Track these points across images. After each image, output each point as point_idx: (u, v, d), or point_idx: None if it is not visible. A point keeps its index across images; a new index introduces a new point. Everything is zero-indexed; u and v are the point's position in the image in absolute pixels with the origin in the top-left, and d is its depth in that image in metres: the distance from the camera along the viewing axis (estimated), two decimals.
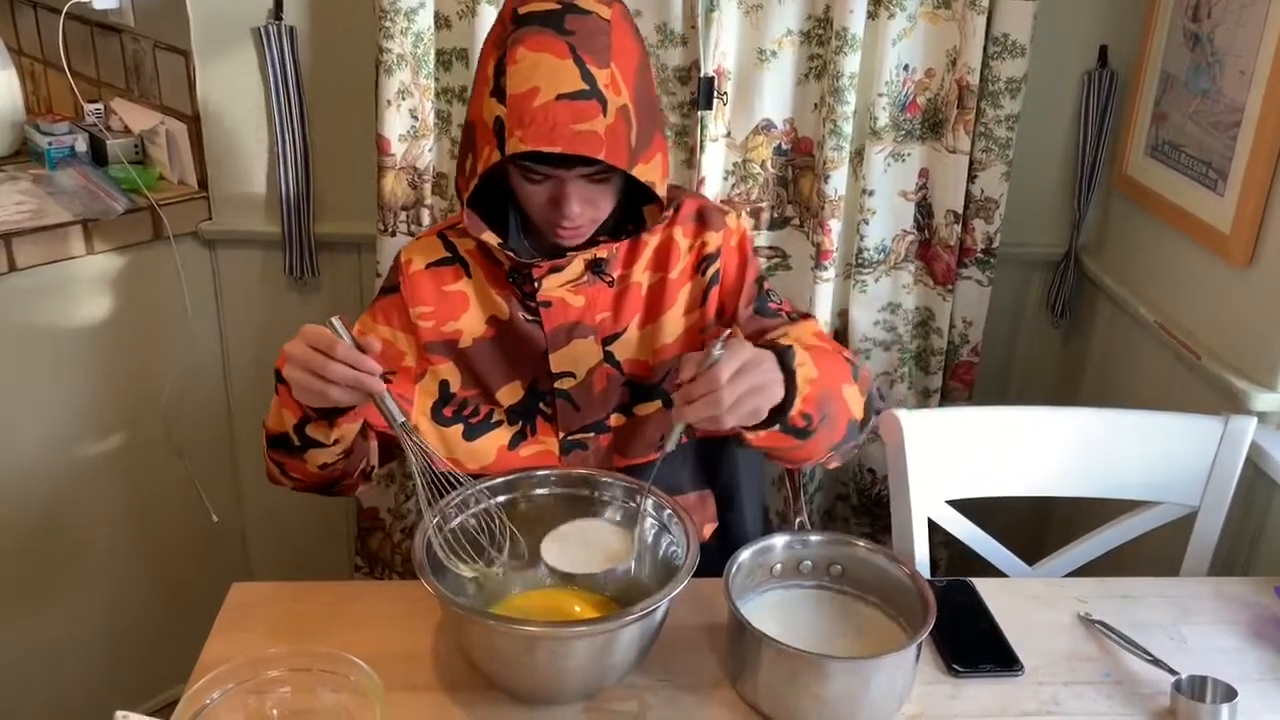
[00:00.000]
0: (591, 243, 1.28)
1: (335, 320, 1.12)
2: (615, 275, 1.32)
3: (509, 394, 1.34)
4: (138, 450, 1.99)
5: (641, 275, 1.34)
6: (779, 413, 1.13)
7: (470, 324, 1.33)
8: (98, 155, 2.05)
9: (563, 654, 1.05)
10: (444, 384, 1.34)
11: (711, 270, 1.34)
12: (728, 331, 1.17)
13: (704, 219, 1.35)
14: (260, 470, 1.33)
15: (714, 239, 1.35)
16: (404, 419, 1.15)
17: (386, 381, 1.15)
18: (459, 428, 1.34)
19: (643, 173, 1.19)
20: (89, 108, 2.09)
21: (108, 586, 2.02)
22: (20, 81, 2.16)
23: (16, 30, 2.40)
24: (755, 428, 1.16)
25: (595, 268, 1.30)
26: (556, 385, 1.32)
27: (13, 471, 1.84)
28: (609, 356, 1.33)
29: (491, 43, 1.21)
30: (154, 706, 2.06)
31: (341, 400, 1.12)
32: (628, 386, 1.35)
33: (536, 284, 1.29)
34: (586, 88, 1.14)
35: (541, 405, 1.34)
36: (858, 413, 1.25)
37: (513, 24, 1.17)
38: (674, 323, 1.34)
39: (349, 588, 1.27)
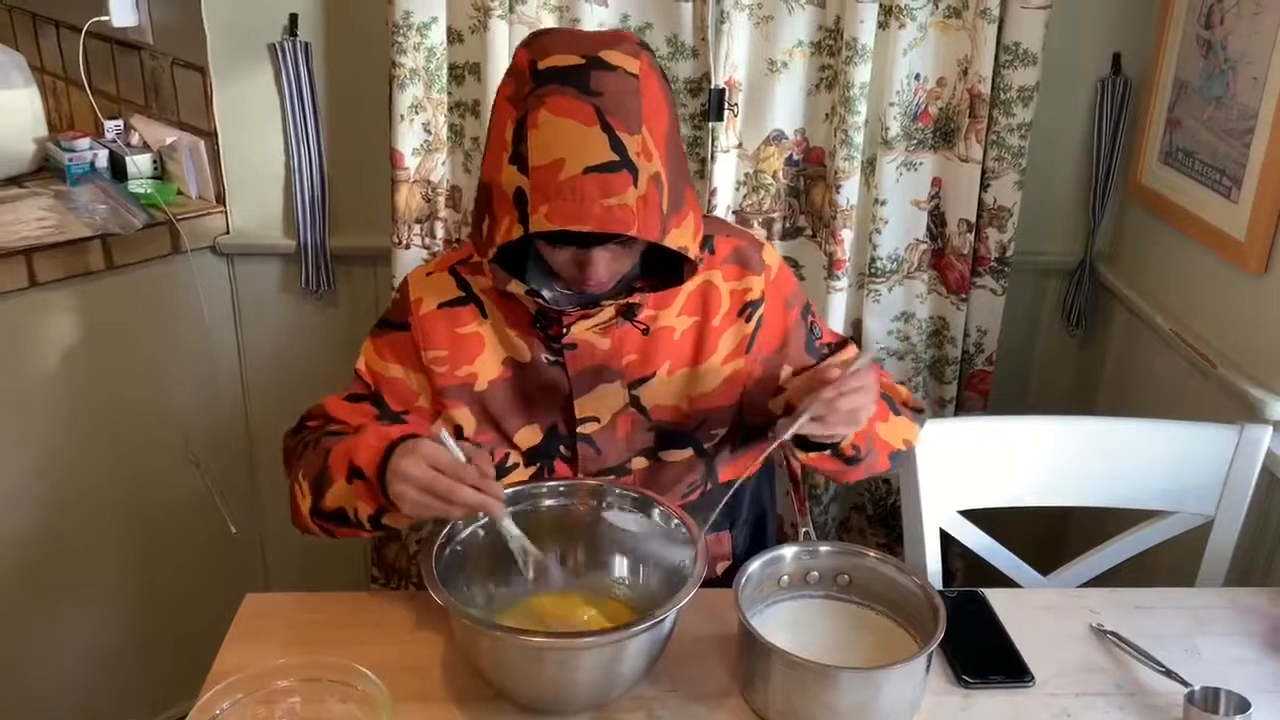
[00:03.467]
0: (626, 288, 1.23)
1: (444, 434, 1.10)
2: (646, 316, 1.26)
3: (526, 436, 1.29)
4: (156, 462, 2.01)
5: (676, 319, 1.28)
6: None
7: (486, 366, 1.27)
8: (117, 171, 2.08)
9: (571, 665, 1.06)
10: (458, 429, 1.29)
11: (756, 315, 1.30)
12: (866, 355, 1.20)
13: (744, 260, 1.30)
14: (278, 482, 1.33)
15: (757, 284, 1.30)
16: (520, 534, 1.15)
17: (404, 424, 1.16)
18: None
19: (675, 238, 1.13)
20: (109, 124, 2.12)
21: (125, 598, 2.04)
22: (43, 99, 2.19)
23: (39, 48, 2.44)
24: (809, 449, 1.23)
25: (627, 313, 1.25)
26: (579, 430, 1.28)
27: (31, 482, 1.86)
28: (634, 400, 1.28)
29: (506, 99, 1.12)
30: (171, 717, 2.08)
31: (459, 518, 1.12)
32: (654, 431, 1.30)
33: (565, 329, 1.23)
34: (616, 158, 1.06)
35: (561, 448, 1.29)
36: (896, 443, 1.34)
37: (532, 80, 1.09)
38: (714, 371, 1.30)
39: (361, 598, 1.27)
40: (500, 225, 1.12)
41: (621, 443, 1.29)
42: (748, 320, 1.30)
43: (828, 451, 1.24)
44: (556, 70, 1.08)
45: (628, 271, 1.22)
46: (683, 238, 1.15)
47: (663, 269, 1.22)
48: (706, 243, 1.28)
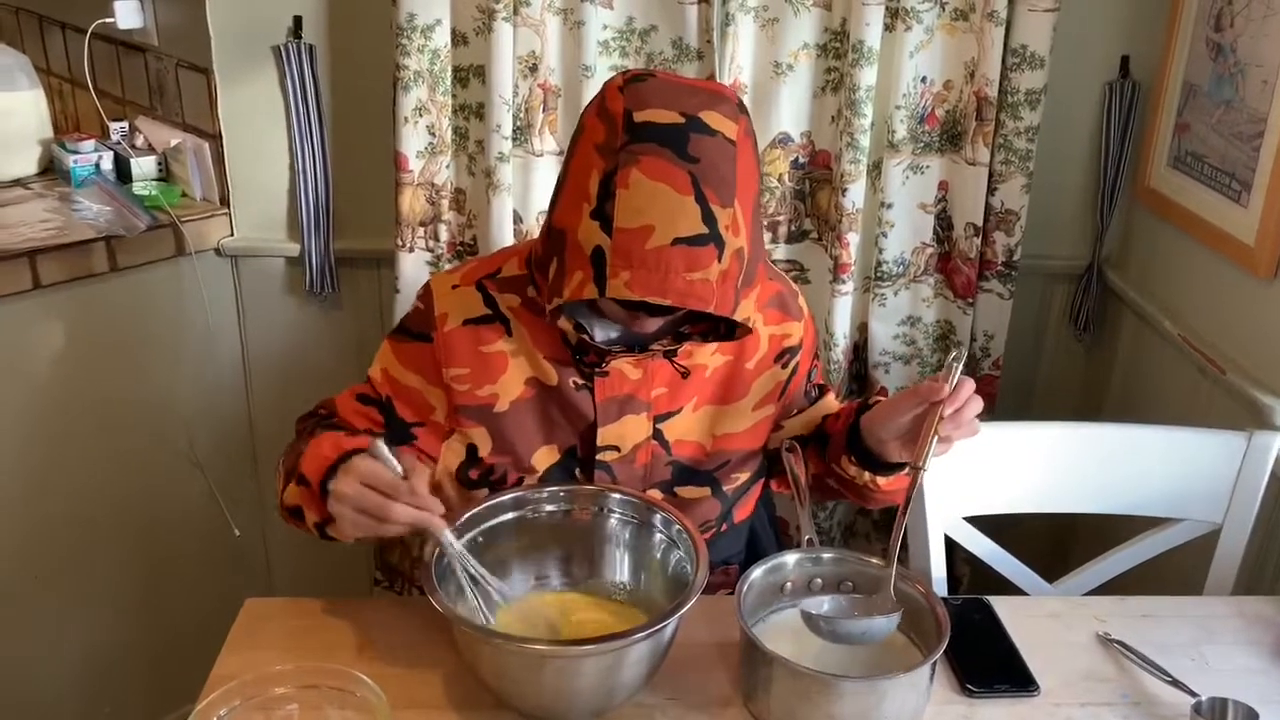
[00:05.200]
0: (674, 332, 1.21)
1: (379, 445, 1.07)
2: (681, 354, 1.24)
3: (543, 458, 1.27)
4: (159, 464, 2.01)
5: (710, 357, 1.26)
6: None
7: (508, 386, 1.25)
8: (122, 173, 2.08)
9: (572, 672, 1.05)
10: (472, 447, 1.27)
11: (793, 363, 1.30)
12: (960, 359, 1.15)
13: (784, 306, 1.30)
14: None
15: (796, 331, 1.30)
16: (461, 548, 1.11)
17: (414, 437, 1.17)
18: (484, 491, 1.27)
19: (742, 310, 1.12)
20: (114, 126, 2.12)
21: (127, 600, 2.04)
22: (48, 101, 2.19)
23: (45, 50, 2.44)
24: (886, 472, 1.22)
25: (669, 353, 1.23)
26: (598, 457, 1.26)
27: (33, 483, 1.86)
28: (658, 434, 1.27)
29: (594, 146, 1.07)
30: None
31: (396, 535, 1.08)
32: (672, 466, 1.29)
33: (605, 361, 1.21)
34: (706, 231, 1.03)
35: (577, 472, 1.27)
36: None
37: (625, 132, 1.05)
38: (743, 414, 1.29)
39: (362, 604, 1.27)
40: (570, 279, 1.08)
41: (639, 474, 1.28)
42: (784, 366, 1.30)
43: (906, 470, 1.21)
44: (654, 127, 1.04)
45: (680, 318, 1.21)
46: (748, 309, 1.13)
47: (710, 315, 1.19)
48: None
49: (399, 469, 1.07)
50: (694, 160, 1.04)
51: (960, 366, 1.13)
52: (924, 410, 1.13)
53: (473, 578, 1.12)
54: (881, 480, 1.24)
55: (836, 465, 1.27)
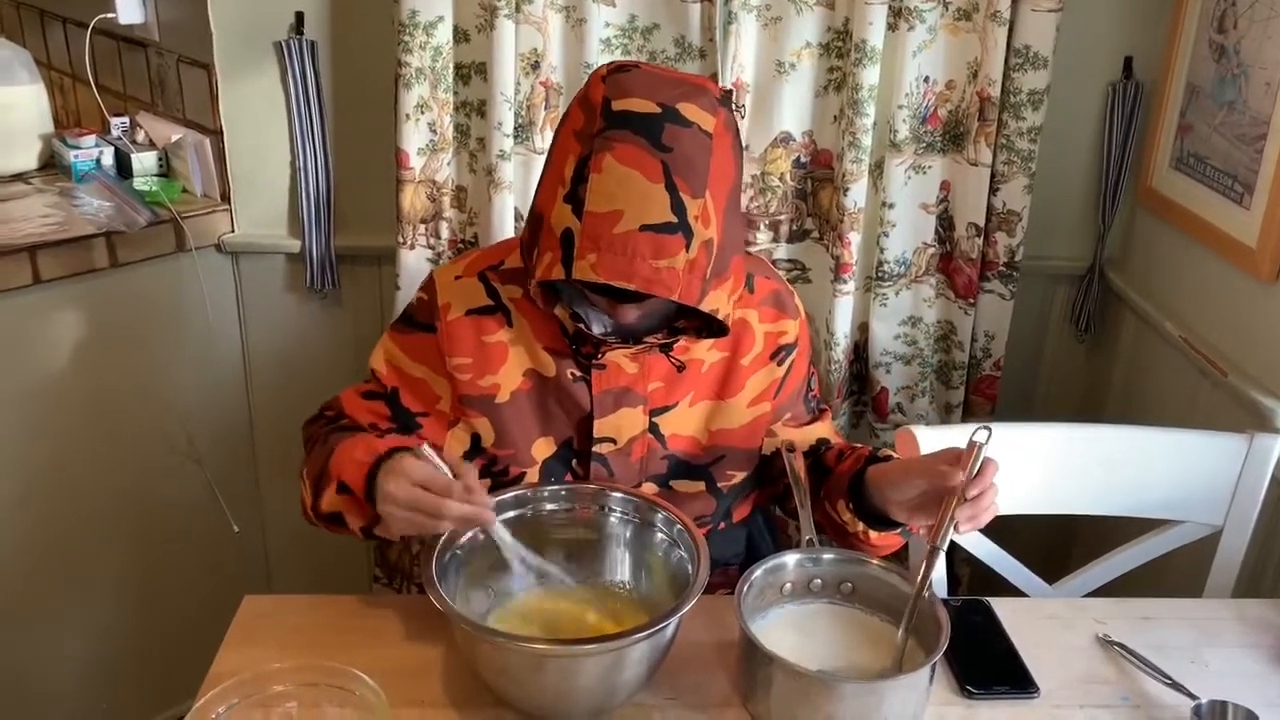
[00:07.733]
0: (668, 325, 1.22)
1: (427, 449, 1.09)
2: (678, 348, 1.25)
3: (540, 449, 1.28)
4: (159, 461, 2.01)
5: (706, 353, 1.27)
6: None
7: (507, 377, 1.26)
8: (123, 168, 2.07)
9: (572, 672, 1.05)
10: (476, 436, 1.28)
11: (789, 361, 1.31)
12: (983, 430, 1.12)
13: (780, 304, 1.31)
14: (281, 481, 1.33)
15: (792, 328, 1.30)
16: (515, 541, 1.13)
17: (419, 426, 1.18)
18: (486, 481, 1.28)
19: (710, 301, 1.12)
20: (115, 121, 2.12)
21: (126, 597, 2.04)
22: (49, 95, 2.19)
23: (46, 45, 2.43)
24: (884, 528, 1.21)
25: (664, 347, 1.24)
26: (594, 449, 1.27)
27: (33, 480, 1.86)
28: (654, 428, 1.27)
29: (573, 132, 1.10)
30: (169, 718, 2.07)
31: (446, 530, 1.10)
32: (668, 460, 1.29)
33: (600, 353, 1.22)
34: (675, 219, 1.05)
35: (574, 464, 1.29)
36: None
37: (603, 119, 1.07)
38: (738, 410, 1.29)
39: (361, 601, 1.27)
40: (542, 259, 1.10)
41: (634, 467, 1.28)
42: (779, 364, 1.30)
43: (898, 530, 1.22)
44: (630, 116, 1.06)
45: (665, 311, 1.21)
46: (717, 300, 1.13)
47: (700, 312, 1.20)
48: (748, 281, 1.27)
49: (448, 471, 1.09)
50: (667, 150, 1.05)
51: (985, 446, 1.10)
52: (937, 484, 1.11)
53: (527, 565, 1.15)
54: (873, 535, 1.23)
55: (830, 506, 1.26)
